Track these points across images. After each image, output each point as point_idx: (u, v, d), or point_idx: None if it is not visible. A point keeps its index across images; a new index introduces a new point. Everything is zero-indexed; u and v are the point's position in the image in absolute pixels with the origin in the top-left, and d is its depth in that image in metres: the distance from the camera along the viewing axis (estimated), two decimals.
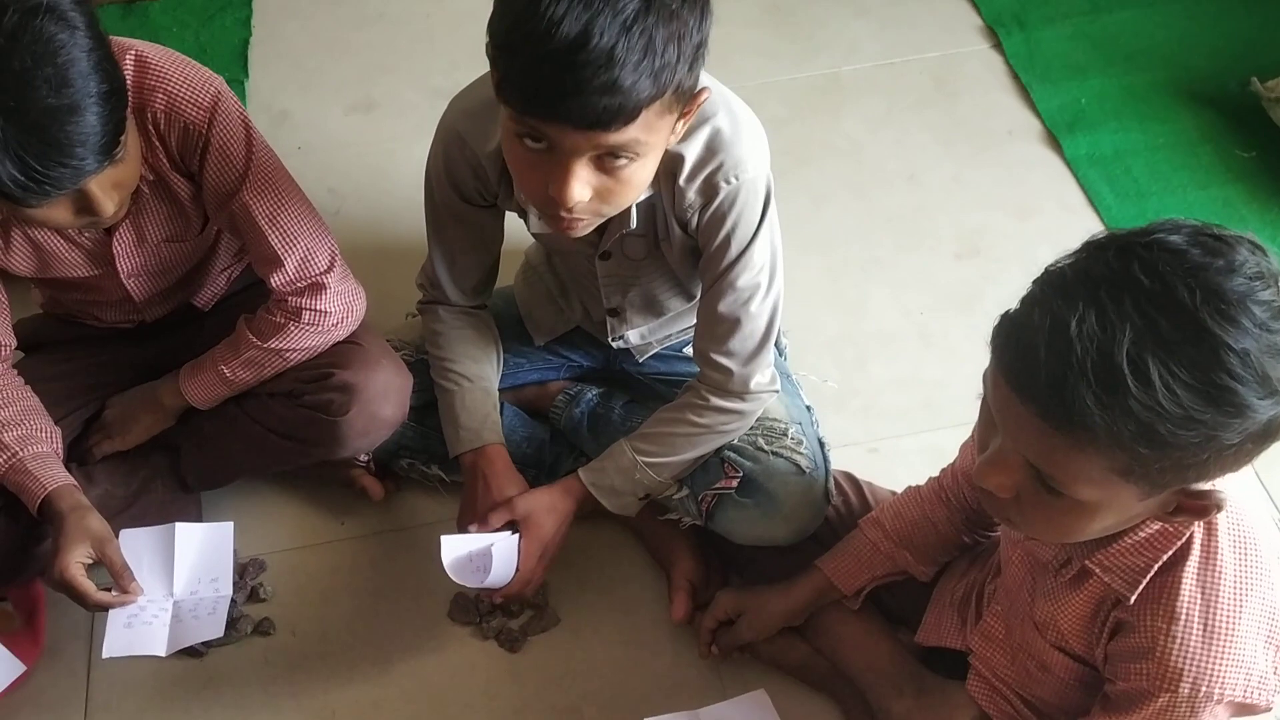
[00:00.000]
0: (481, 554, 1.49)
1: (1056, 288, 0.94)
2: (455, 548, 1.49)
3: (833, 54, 2.39)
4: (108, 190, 1.28)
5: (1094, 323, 0.90)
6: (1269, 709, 1.13)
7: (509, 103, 1.15)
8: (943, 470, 1.47)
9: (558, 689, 1.60)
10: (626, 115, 1.11)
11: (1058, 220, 2.12)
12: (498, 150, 1.39)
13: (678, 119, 1.22)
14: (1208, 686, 1.09)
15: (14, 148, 1.14)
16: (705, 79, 1.40)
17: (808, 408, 1.64)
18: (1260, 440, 0.93)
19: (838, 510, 1.59)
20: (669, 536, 1.65)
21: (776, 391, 1.55)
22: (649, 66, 1.09)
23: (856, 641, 1.51)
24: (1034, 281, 0.98)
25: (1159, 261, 0.90)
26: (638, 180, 1.24)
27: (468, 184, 1.47)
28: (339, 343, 1.58)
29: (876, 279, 2.04)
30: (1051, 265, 0.97)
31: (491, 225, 1.56)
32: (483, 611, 1.65)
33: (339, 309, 1.55)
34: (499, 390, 1.73)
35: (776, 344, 1.73)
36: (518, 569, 1.51)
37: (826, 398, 1.85)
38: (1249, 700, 1.11)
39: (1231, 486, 1.10)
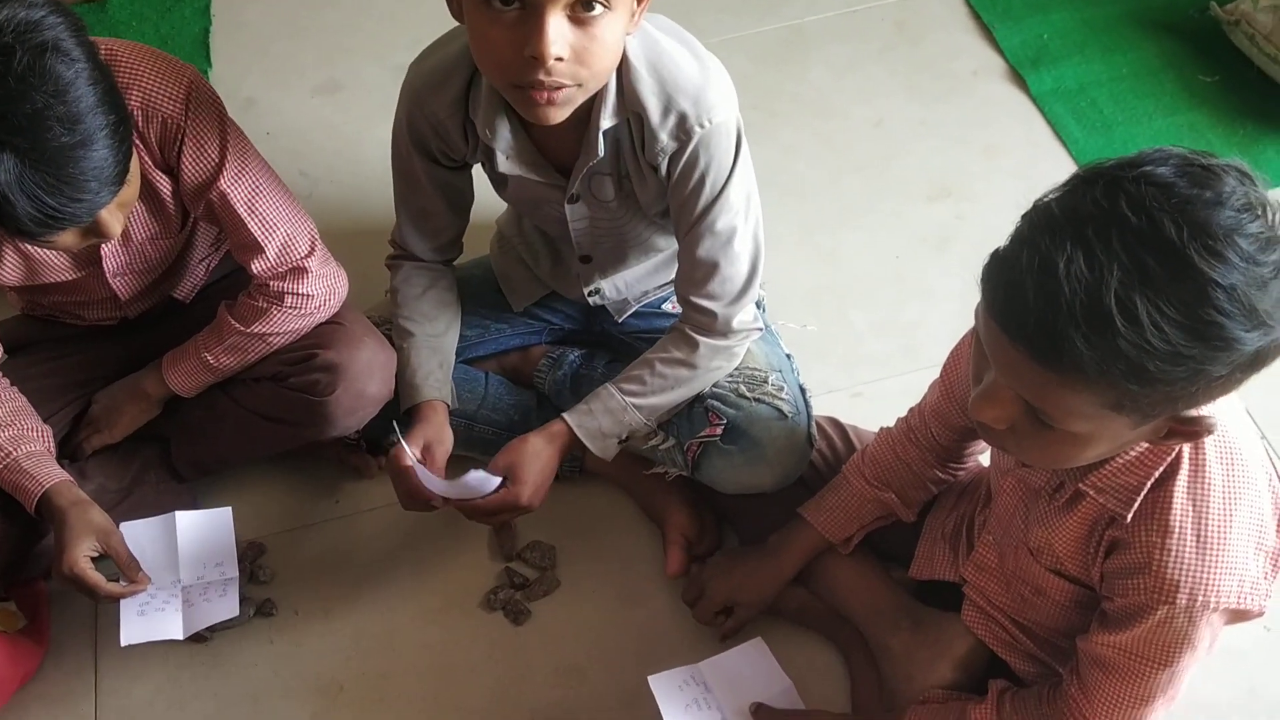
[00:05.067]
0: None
1: (1044, 226, 0.94)
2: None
3: (794, 6, 2.39)
4: (114, 213, 1.30)
5: (1082, 263, 0.90)
6: (1262, 613, 1.16)
7: None
8: (910, 410, 1.49)
9: (561, 651, 1.62)
10: None
11: (1026, 157, 2.13)
12: (458, 103, 1.42)
13: None
14: (1204, 596, 1.12)
15: (30, 188, 1.15)
16: (669, 26, 1.42)
17: (788, 356, 1.66)
18: (1248, 369, 0.94)
19: (823, 455, 1.61)
20: (660, 492, 1.67)
21: (760, 330, 1.57)
22: None
23: (851, 583, 1.53)
24: (1023, 217, 0.98)
25: (1146, 197, 0.91)
26: (610, 40, 1.25)
27: (431, 143, 1.49)
28: (321, 323, 1.59)
29: (850, 226, 2.05)
30: (1040, 200, 0.97)
31: (458, 185, 1.57)
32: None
33: (321, 292, 1.56)
34: (482, 358, 1.76)
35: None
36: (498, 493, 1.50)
37: (808, 347, 1.86)
38: (1243, 606, 1.13)
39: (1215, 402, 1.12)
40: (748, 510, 1.62)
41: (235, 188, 1.45)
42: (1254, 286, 0.89)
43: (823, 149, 2.16)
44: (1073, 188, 0.96)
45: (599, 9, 1.20)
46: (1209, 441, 1.12)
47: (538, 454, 1.51)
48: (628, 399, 1.53)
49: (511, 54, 1.22)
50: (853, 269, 2.00)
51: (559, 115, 1.30)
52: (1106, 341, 0.90)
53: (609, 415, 1.53)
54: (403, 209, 1.60)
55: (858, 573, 1.54)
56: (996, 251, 0.98)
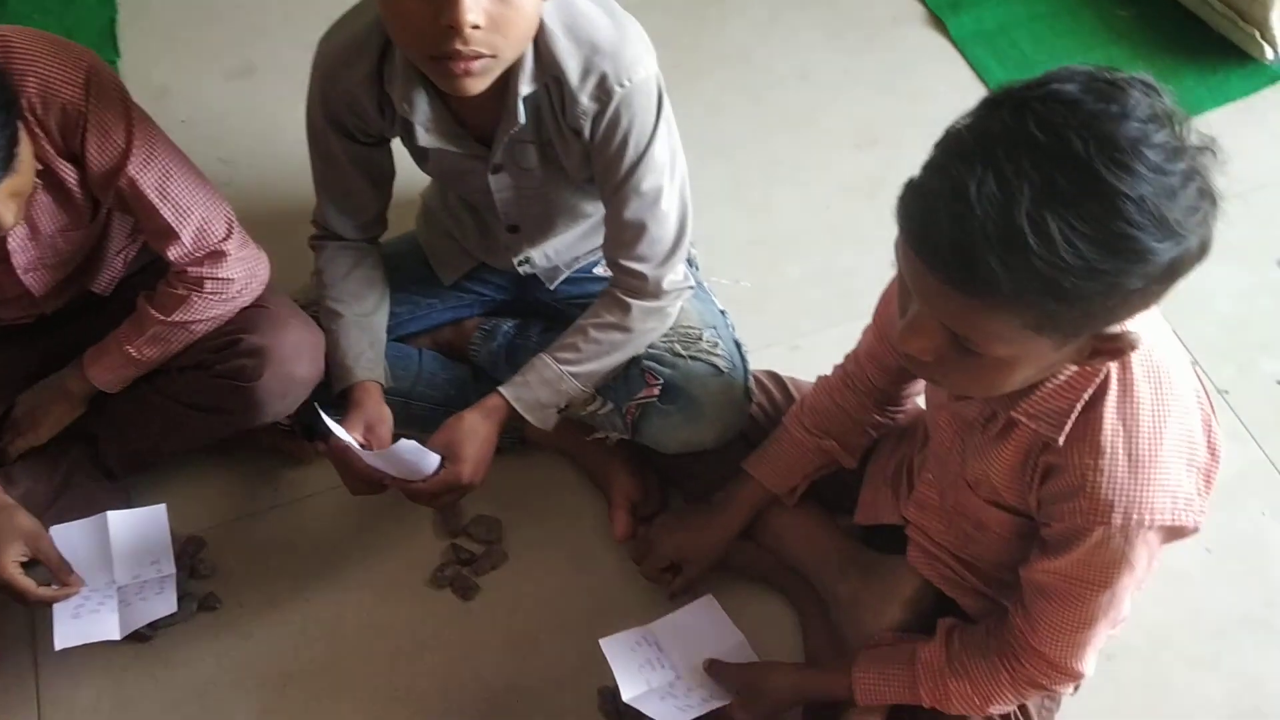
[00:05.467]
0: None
1: (955, 152, 0.94)
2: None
3: None
4: (5, 202, 1.25)
5: (993, 185, 0.89)
6: (1197, 529, 1.16)
7: None
8: (846, 357, 1.49)
9: (511, 623, 1.61)
10: None
11: (950, 101, 2.04)
12: (371, 78, 1.40)
13: None
14: (1138, 514, 1.12)
15: None
16: None
17: (722, 312, 1.65)
18: (1164, 280, 0.94)
19: (763, 408, 1.60)
20: (603, 457, 1.66)
21: (692, 288, 1.55)
22: None
23: (797, 534, 1.53)
24: (935, 145, 0.97)
25: (1053, 115, 0.90)
26: (528, 6, 1.23)
27: (347, 120, 1.46)
28: (244, 307, 1.56)
29: (780, 179, 2.05)
30: (951, 126, 0.97)
31: (378, 161, 1.54)
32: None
33: (242, 275, 1.52)
34: (414, 335, 1.74)
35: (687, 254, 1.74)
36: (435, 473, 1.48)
37: (744, 302, 1.85)
38: (1178, 522, 1.14)
39: (1139, 320, 1.12)
40: (691, 469, 1.61)
41: (144, 173, 1.41)
42: (1163, 196, 0.89)
43: (748, 104, 2.15)
44: (982, 111, 0.95)
45: None
46: (1136, 362, 1.12)
47: (475, 430, 1.49)
48: (563, 367, 1.51)
49: (427, 23, 1.20)
50: (784, 222, 1.99)
51: (478, 86, 1.28)
52: (1021, 261, 0.90)
53: (545, 385, 1.51)
54: (323, 188, 1.57)
55: (803, 523, 1.54)
56: (910, 181, 0.97)
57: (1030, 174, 0.89)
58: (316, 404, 1.50)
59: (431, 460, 1.45)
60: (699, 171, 2.01)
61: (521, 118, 1.37)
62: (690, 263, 1.74)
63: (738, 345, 1.60)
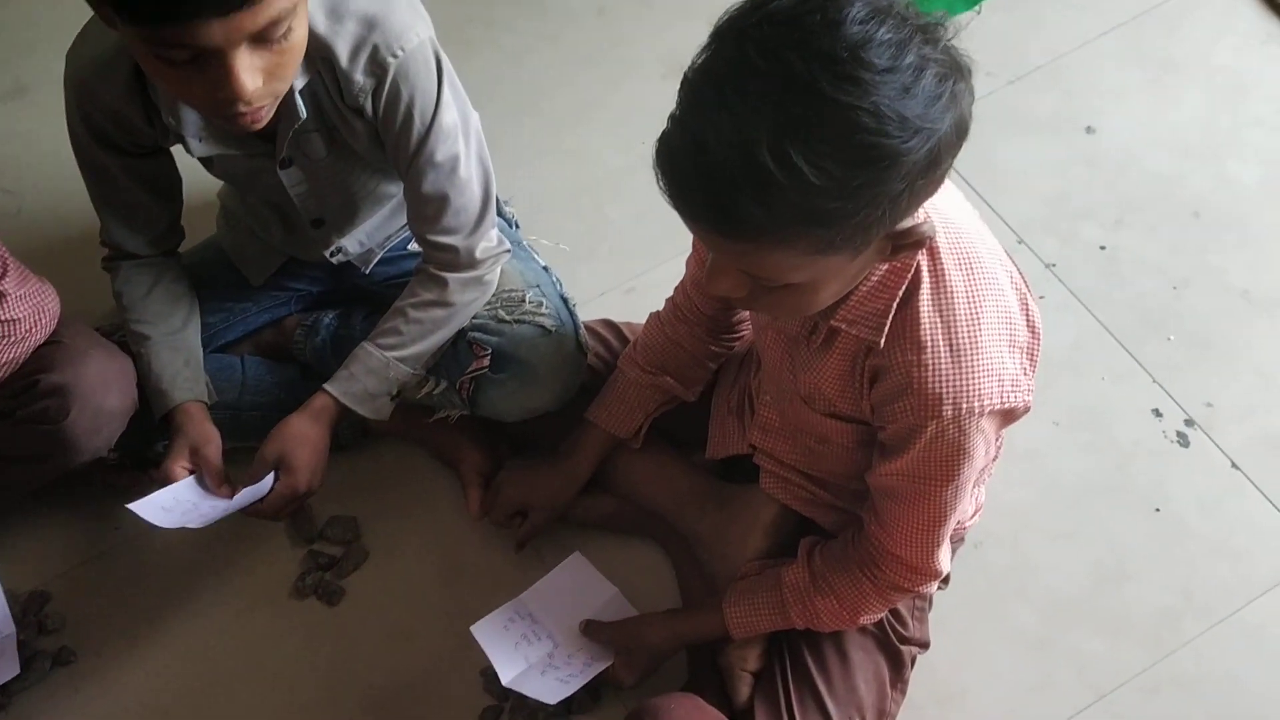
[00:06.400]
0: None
1: (689, 99, 0.91)
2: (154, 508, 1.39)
3: None
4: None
5: (728, 127, 0.87)
6: (1028, 408, 1.16)
7: (137, 21, 1.07)
8: (675, 288, 1.46)
9: (383, 620, 1.56)
10: None
11: None
12: (131, 87, 1.32)
13: None
14: (967, 403, 1.11)
15: None
16: None
17: (545, 268, 1.60)
18: (929, 172, 0.92)
19: (602, 358, 1.57)
20: (448, 435, 1.61)
21: (508, 250, 1.51)
22: None
23: (649, 477, 1.51)
24: (678, 90, 0.94)
25: (771, 38, 0.87)
26: (300, 40, 1.18)
27: (113, 135, 1.38)
28: (40, 346, 1.46)
29: (592, 121, 2.00)
30: (686, 70, 0.93)
31: (157, 171, 1.46)
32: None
33: (28, 314, 1.43)
34: (234, 343, 1.66)
35: (503, 214, 1.69)
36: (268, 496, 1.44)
37: (574, 251, 1.82)
38: (1007, 404, 1.13)
39: (944, 204, 1.11)
40: (540, 432, 1.57)
41: None
42: (898, 96, 0.87)
43: (548, 48, 2.09)
44: (708, 49, 0.92)
45: (283, 28, 1.12)
46: (945, 251, 1.11)
47: (305, 435, 1.44)
48: (388, 353, 1.46)
49: (202, 98, 1.15)
50: (601, 164, 1.95)
51: (266, 120, 1.23)
52: (775, 198, 0.87)
53: (372, 375, 1.46)
54: (104, 207, 1.49)
55: (654, 465, 1.52)
56: (661, 136, 0.93)
57: (761, 108, 0.86)
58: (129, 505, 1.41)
59: (264, 482, 1.39)
60: (510, 127, 1.97)
61: (302, 112, 1.31)
62: (510, 222, 1.70)
63: (564, 301, 1.56)
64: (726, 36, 0.90)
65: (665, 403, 1.49)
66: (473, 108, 1.61)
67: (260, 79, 1.14)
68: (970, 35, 2.10)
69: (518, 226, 1.73)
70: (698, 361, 1.47)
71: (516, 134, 1.96)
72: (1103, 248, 1.80)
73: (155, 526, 1.37)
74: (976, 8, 2.05)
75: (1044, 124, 1.92)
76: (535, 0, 2.15)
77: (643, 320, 1.61)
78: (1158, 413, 1.65)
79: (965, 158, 1.94)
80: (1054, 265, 1.78)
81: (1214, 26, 2.01)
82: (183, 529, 1.39)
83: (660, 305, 1.52)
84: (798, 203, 0.88)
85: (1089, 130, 1.91)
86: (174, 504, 1.40)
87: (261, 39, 1.11)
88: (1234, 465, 1.60)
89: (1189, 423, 1.64)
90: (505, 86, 2.03)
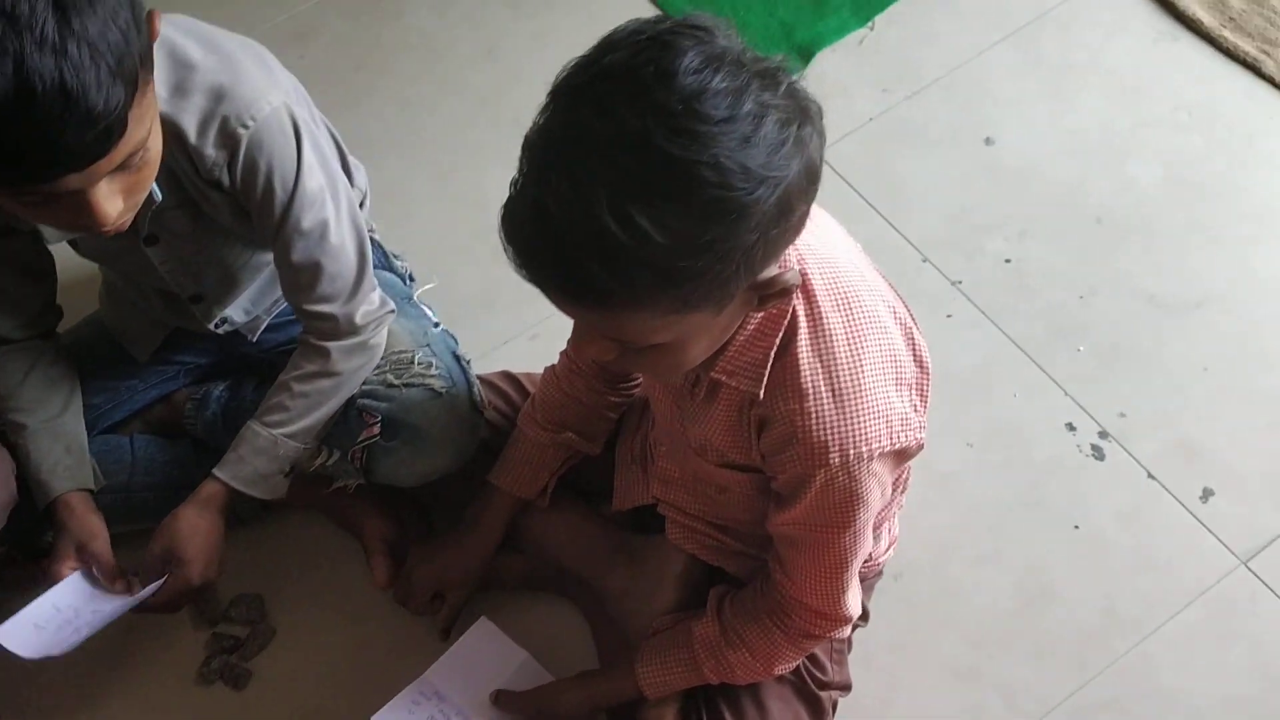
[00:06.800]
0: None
1: (530, 165, 0.88)
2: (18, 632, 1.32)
3: None
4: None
5: (568, 191, 0.83)
6: (921, 445, 1.13)
7: None
8: (568, 341, 1.42)
9: (293, 701, 1.50)
10: (119, 129, 1.01)
11: None
12: None
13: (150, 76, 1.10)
14: (855, 448, 1.08)
15: None
16: (188, 25, 1.27)
17: (436, 324, 1.55)
18: (782, 220, 0.88)
19: (501, 413, 1.53)
20: (349, 504, 1.56)
21: (393, 311, 1.46)
22: (108, 70, 0.97)
23: (557, 534, 1.47)
24: (520, 155, 0.91)
25: (606, 96, 0.84)
26: (156, 151, 1.13)
27: None
28: None
29: (489, 164, 1.95)
30: (527, 131, 0.90)
31: (17, 252, 1.39)
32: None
33: None
34: (123, 422, 1.60)
35: (395, 270, 1.65)
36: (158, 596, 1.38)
37: (475, 300, 1.78)
38: (898, 445, 1.10)
39: (819, 242, 1.08)
40: (443, 494, 1.52)
41: None
42: (738, 147, 0.83)
43: (441, 93, 2.05)
44: (546, 109, 0.89)
45: (138, 155, 1.08)
46: (821, 292, 1.07)
47: (195, 527, 1.38)
48: (275, 431, 1.40)
49: (60, 223, 1.12)
50: (497, 209, 1.89)
51: (127, 225, 1.18)
52: (622, 261, 0.83)
53: (261, 455, 1.41)
54: None
55: (562, 521, 1.48)
56: (505, 204, 0.90)
57: (599, 169, 0.82)
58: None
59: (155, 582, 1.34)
60: (403, 176, 1.93)
61: (157, 195, 1.25)
62: (404, 277, 1.66)
63: (457, 358, 1.51)
64: (562, 96, 0.87)
65: (569, 459, 1.45)
66: (357, 162, 1.57)
67: (120, 201, 1.10)
68: (865, 52, 2.11)
69: (413, 280, 1.68)
70: (598, 414, 1.43)
71: (409, 183, 1.92)
72: (1008, 261, 1.77)
73: (18, 657, 1.30)
74: (869, 23, 2.03)
75: (943, 138, 1.90)
76: (426, 45, 2.11)
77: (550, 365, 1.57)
78: (1071, 427, 1.62)
79: (865, 178, 1.93)
80: (960, 282, 1.76)
81: (1106, 28, 2.00)
82: (47, 658, 1.32)
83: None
84: (647, 264, 0.84)
85: (988, 141, 1.89)
86: (52, 616, 1.34)
87: (119, 168, 1.08)
88: (1150, 475, 1.58)
89: (1103, 435, 1.61)
90: (397, 134, 1.98)
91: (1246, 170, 1.84)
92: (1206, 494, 1.56)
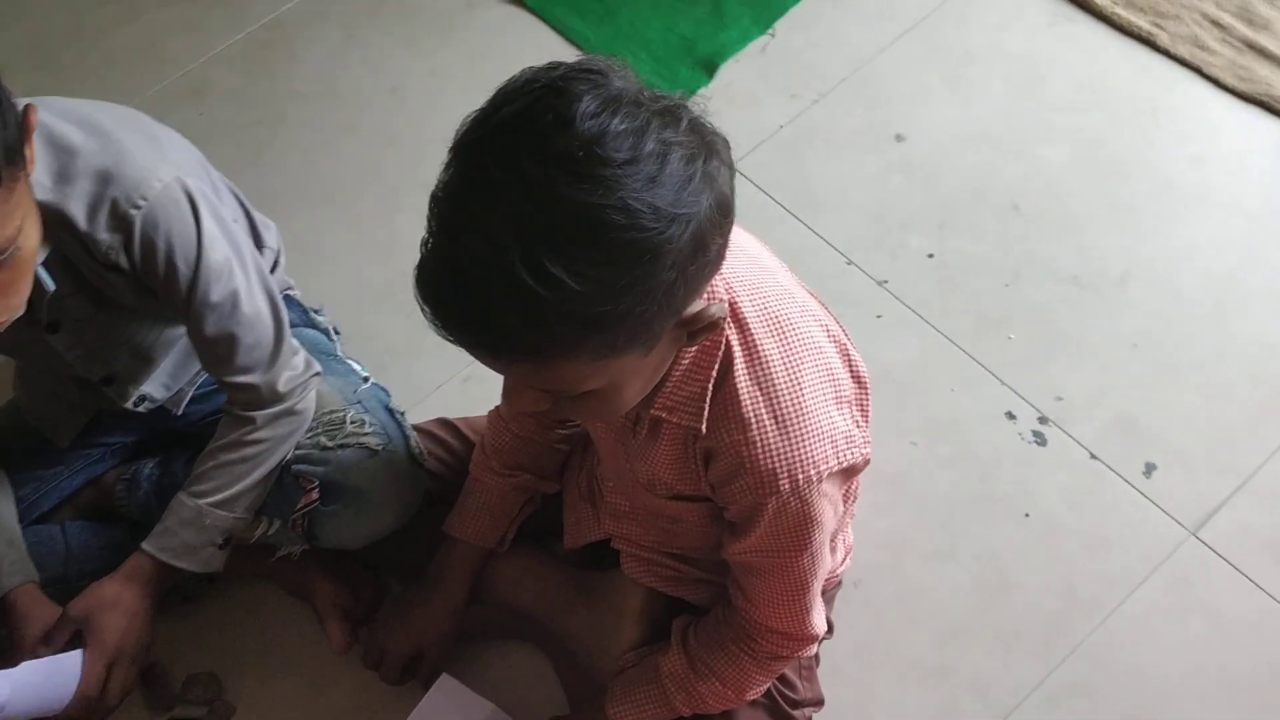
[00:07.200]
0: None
1: (438, 224, 0.86)
2: None
3: (259, 2, 2.19)
4: None
5: (479, 247, 0.81)
6: (868, 460, 1.13)
7: None
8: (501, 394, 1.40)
9: None
10: None
11: None
12: None
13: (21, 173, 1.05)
14: (804, 472, 1.07)
15: None
16: (63, 108, 1.23)
17: (365, 379, 1.52)
18: (698, 256, 0.87)
19: (443, 461, 1.50)
20: (297, 570, 1.52)
21: (318, 374, 1.42)
22: None
23: (512, 579, 1.45)
24: (428, 212, 0.89)
25: (507, 148, 0.82)
26: (30, 248, 1.08)
27: None
28: None
29: (399, 207, 1.92)
30: (434, 189, 0.88)
31: None
32: None
33: None
34: (52, 511, 1.54)
35: (317, 325, 1.61)
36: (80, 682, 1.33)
37: (401, 348, 1.74)
38: (845, 463, 1.10)
39: (743, 268, 1.07)
40: (391, 552, 1.49)
41: None
42: (645, 188, 0.81)
43: (345, 138, 2.01)
44: (449, 167, 0.86)
45: (6, 255, 1.04)
46: (752, 319, 1.06)
47: (116, 598, 1.35)
48: (200, 501, 1.36)
49: None
50: (415, 251, 1.85)
51: (12, 320, 1.13)
52: (542, 312, 0.82)
53: (188, 527, 1.36)
54: None
55: (516, 566, 1.45)
56: (417, 265, 0.87)
57: (507, 221, 0.80)
58: None
59: (69, 667, 1.29)
60: (315, 228, 1.89)
61: (50, 285, 1.21)
62: (328, 332, 1.62)
63: (391, 412, 1.48)
64: (464, 151, 0.85)
65: (528, 503, 1.42)
66: (267, 220, 1.53)
67: None
68: (769, 59, 2.11)
69: (338, 334, 1.64)
70: (550, 451, 1.41)
71: (322, 234, 1.88)
72: (930, 256, 1.78)
73: None
74: (770, 30, 2.03)
75: (854, 139, 1.91)
76: (326, 89, 2.07)
77: (484, 410, 1.54)
78: (1011, 415, 1.63)
79: (782, 185, 1.92)
80: (886, 282, 1.76)
81: (1002, 14, 2.02)
82: None
83: (499, 388, 1.46)
84: (567, 313, 0.82)
85: (899, 138, 1.90)
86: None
87: None
88: (1093, 456, 1.60)
89: (1043, 420, 1.63)
90: (302, 183, 1.95)
91: (1152, 144, 1.87)
92: (1149, 469, 1.58)
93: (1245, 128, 1.88)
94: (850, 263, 1.78)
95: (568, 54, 2.04)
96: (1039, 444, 1.61)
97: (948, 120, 1.92)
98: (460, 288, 0.83)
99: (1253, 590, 1.50)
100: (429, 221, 0.87)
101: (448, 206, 0.85)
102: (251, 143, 2.00)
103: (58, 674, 1.30)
